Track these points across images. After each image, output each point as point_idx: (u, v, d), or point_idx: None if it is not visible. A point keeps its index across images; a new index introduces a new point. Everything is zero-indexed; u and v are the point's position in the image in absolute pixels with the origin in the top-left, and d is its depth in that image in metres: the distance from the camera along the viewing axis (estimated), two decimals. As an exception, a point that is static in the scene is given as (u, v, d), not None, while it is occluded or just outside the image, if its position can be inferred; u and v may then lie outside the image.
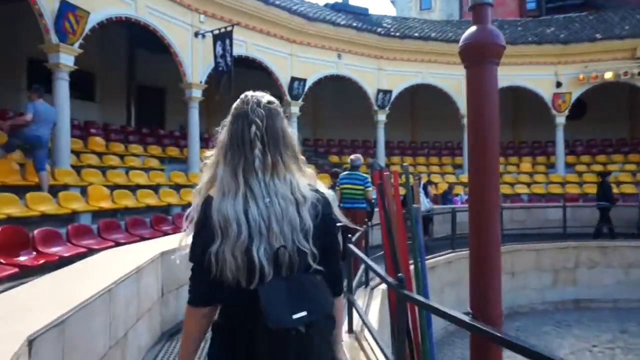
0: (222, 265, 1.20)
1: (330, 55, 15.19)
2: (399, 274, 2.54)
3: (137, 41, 14.26)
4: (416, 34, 16.56)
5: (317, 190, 1.32)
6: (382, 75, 16.12)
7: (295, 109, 14.40)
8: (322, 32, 14.75)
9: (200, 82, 11.66)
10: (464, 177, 16.60)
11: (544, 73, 17.02)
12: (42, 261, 4.27)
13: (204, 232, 1.24)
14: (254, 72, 15.86)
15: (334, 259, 1.35)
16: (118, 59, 14.68)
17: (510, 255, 10.57)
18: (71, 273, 3.26)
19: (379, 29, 16.13)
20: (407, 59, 16.44)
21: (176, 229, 7.29)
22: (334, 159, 17.58)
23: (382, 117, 16.20)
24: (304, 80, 14.34)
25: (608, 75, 16.22)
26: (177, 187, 10.01)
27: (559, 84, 16.90)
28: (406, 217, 3.36)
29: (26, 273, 4.10)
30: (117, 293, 3.12)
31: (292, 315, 1.13)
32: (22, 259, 4.27)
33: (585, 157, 18.20)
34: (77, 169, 8.36)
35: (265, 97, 1.35)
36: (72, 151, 9.10)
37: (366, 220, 6.38)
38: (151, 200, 8.48)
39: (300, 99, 14.50)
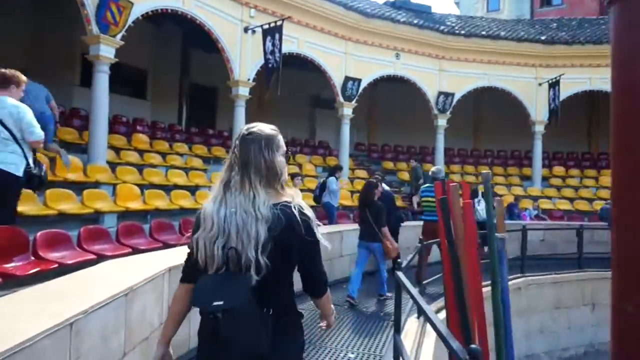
0: (197, 249, 1.56)
1: (388, 54, 14.19)
2: (472, 346, 1.57)
3: (191, 39, 14.06)
4: (483, 32, 15.17)
5: (286, 206, 1.56)
6: (443, 76, 14.89)
7: (348, 110, 13.56)
8: (380, 30, 13.80)
9: (248, 79, 11.09)
10: (534, 190, 14.95)
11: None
12: (35, 269, 3.65)
13: (195, 225, 1.62)
14: (305, 72, 15.36)
15: (306, 264, 1.63)
16: (172, 57, 14.55)
17: (591, 284, 9.05)
18: (34, 294, 2.56)
19: (442, 27, 14.93)
20: (472, 60, 15.09)
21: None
22: (388, 165, 16.54)
23: (442, 121, 14.96)
24: (359, 81, 13.45)
25: None
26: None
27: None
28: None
29: (14, 283, 3.48)
30: (86, 325, 2.37)
31: (212, 302, 1.44)
32: (11, 265, 3.66)
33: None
34: (114, 165, 7.97)
35: (248, 128, 1.64)
36: (113, 147, 8.79)
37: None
38: (186, 202, 7.92)
39: (354, 100, 13.62)
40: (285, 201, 1.56)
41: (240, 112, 11.04)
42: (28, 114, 3.90)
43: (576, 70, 14.82)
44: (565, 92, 14.64)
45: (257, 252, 1.47)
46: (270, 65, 10.45)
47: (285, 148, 1.67)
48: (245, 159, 1.57)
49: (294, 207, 1.56)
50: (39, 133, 3.95)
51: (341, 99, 13.29)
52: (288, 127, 17.30)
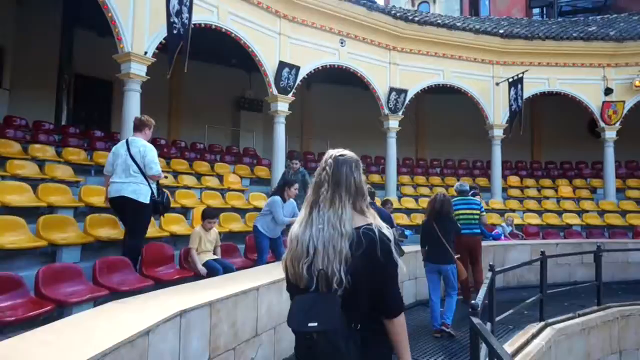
0: (287, 269, 1.70)
1: (332, 40, 11.56)
2: None
3: (77, 16, 10.59)
4: (439, 21, 13.15)
5: (368, 229, 1.62)
6: (394, 70, 12.58)
7: (283, 106, 10.69)
8: (321, 6, 11.12)
9: (145, 53, 7.79)
10: (496, 202, 12.99)
11: (591, 77, 13.80)
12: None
13: (288, 246, 1.73)
14: (227, 68, 12.33)
15: (381, 289, 1.62)
16: (46, 36, 10.82)
17: (617, 325, 6.87)
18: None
19: (394, 11, 12.65)
20: (426, 52, 12.96)
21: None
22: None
23: (393, 123, 12.61)
24: (296, 68, 10.63)
25: (671, 81, 13.10)
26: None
27: (608, 91, 13.69)
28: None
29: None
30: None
31: (307, 324, 1.51)
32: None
33: (634, 180, 14.91)
34: None
35: (340, 151, 1.78)
36: None
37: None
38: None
39: (291, 94, 10.77)
40: (368, 223, 1.64)
41: (133, 99, 7.68)
42: (150, 152, 4.75)
43: (534, 70, 13.25)
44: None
45: (340, 266, 1.55)
46: (175, 31, 7.28)
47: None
48: (337, 178, 1.68)
49: (375, 230, 1.62)
50: (157, 169, 4.77)
51: (274, 90, 10.38)
52: (206, 131, 14.24)
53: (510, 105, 12.98)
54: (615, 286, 8.65)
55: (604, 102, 13.59)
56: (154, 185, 4.80)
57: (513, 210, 12.83)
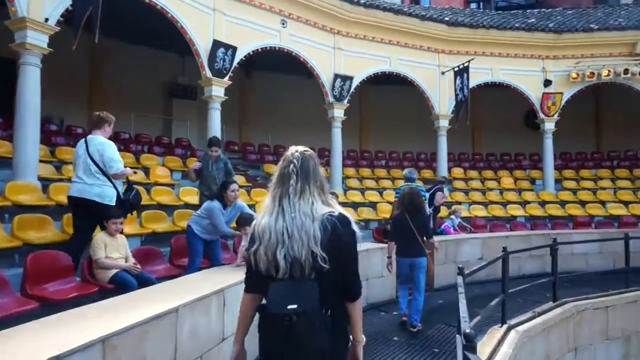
0: (257, 260, 1.73)
1: (272, 20, 10.63)
2: None
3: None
4: (385, 5, 12.57)
5: (330, 214, 1.73)
6: (339, 56, 11.86)
7: (218, 91, 9.63)
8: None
9: (46, 20, 6.46)
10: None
11: (532, 68, 13.88)
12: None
13: (250, 240, 1.79)
14: (157, 52, 11.07)
15: (344, 268, 1.73)
16: None
17: (572, 321, 6.58)
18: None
19: None
20: (371, 38, 12.37)
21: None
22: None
23: (338, 112, 11.89)
24: (233, 49, 9.60)
25: (605, 73, 13.42)
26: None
27: (547, 82, 13.84)
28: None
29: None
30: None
31: (287, 306, 1.59)
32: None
33: (568, 171, 15.27)
34: None
35: (303, 148, 1.89)
36: None
37: None
38: None
39: (227, 77, 9.72)
40: (330, 211, 1.75)
41: (30, 76, 6.34)
42: (109, 150, 4.48)
43: (478, 60, 13.07)
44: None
45: (317, 246, 1.64)
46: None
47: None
48: (306, 171, 1.78)
49: (336, 213, 1.75)
50: (117, 167, 4.48)
51: (208, 72, 9.29)
52: (133, 120, 12.80)
53: (456, 95, 12.72)
54: (561, 278, 8.51)
55: (543, 94, 13.71)
56: (119, 184, 4.62)
57: (459, 203, 12.61)
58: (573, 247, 9.57)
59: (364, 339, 1.84)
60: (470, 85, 12.89)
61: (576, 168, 15.64)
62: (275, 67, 14.28)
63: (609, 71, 13.41)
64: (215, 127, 9.73)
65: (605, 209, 12.64)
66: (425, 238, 5.37)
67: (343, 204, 11.37)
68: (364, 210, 10.78)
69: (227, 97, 9.89)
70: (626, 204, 12.83)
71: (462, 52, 13.34)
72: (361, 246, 6.20)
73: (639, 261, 8.14)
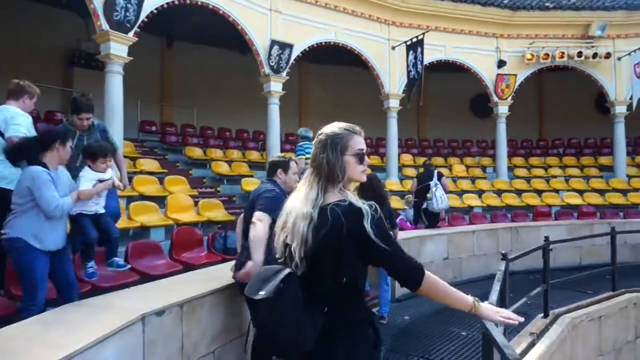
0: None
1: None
2: None
3: None
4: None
5: (336, 204, 1.49)
6: (277, 20, 9.99)
7: (119, 49, 7.43)
8: None
9: None
10: (392, 183, 11.34)
11: (486, 47, 12.86)
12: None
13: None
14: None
15: (380, 264, 1.54)
16: None
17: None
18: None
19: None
20: (314, 1, 10.62)
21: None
22: (196, 153, 10.95)
23: (276, 86, 10.05)
24: (139, 2, 7.46)
25: (558, 55, 12.68)
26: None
27: (501, 63, 12.88)
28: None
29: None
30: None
31: (258, 292, 1.46)
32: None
33: (518, 159, 14.56)
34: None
35: (325, 127, 1.64)
36: None
37: None
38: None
39: (131, 33, 7.57)
40: (337, 201, 1.51)
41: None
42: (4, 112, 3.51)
43: (431, 35, 11.75)
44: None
45: (300, 249, 1.49)
46: None
47: (358, 148, 1.57)
48: (313, 158, 1.59)
49: (346, 204, 1.49)
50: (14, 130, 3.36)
51: (104, 25, 7.10)
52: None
53: (409, 72, 11.34)
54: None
55: (497, 75, 12.76)
56: None
57: (411, 192, 11.30)
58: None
59: (478, 303, 1.61)
60: (424, 62, 11.59)
61: (525, 156, 14.99)
62: (201, 39, 12.21)
63: (562, 53, 12.69)
64: (116, 101, 7.56)
65: (561, 198, 11.93)
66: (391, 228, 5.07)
67: None
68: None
69: (144, 69, 7.76)
70: (580, 192, 12.21)
71: (414, 25, 11.98)
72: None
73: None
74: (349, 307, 1.52)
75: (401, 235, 6.82)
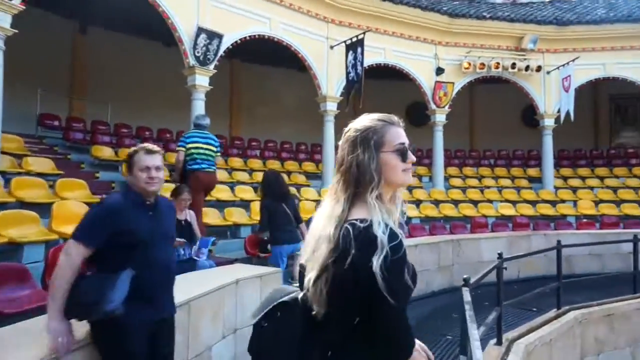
0: None
1: None
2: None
3: None
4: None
5: (352, 225, 1.15)
6: (205, 5, 8.93)
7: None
8: None
9: None
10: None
11: (425, 54, 12.60)
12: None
13: None
14: None
15: (369, 314, 1.15)
16: None
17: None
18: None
19: None
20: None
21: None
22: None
23: (202, 80, 8.93)
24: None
25: (494, 65, 12.71)
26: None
27: (440, 70, 12.68)
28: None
29: None
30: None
31: (258, 316, 1.31)
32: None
33: (452, 168, 14.48)
34: None
35: (355, 122, 1.32)
36: None
37: None
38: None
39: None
40: (357, 219, 1.16)
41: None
42: None
43: (371, 37, 11.21)
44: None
45: (315, 278, 1.18)
46: None
47: (399, 142, 1.25)
48: (339, 160, 1.28)
49: (357, 227, 1.14)
50: None
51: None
52: None
53: (348, 73, 10.71)
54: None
55: (435, 82, 12.53)
56: None
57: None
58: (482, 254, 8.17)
59: None
60: (364, 65, 11.01)
61: (459, 165, 14.96)
62: (120, 24, 10.86)
63: (498, 64, 12.75)
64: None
65: (496, 208, 11.86)
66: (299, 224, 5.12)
67: (231, 202, 8.60)
68: (233, 211, 8.05)
69: (48, 54, 6.39)
70: (513, 203, 12.24)
71: (354, 24, 11.40)
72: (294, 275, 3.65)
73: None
74: (360, 357, 1.18)
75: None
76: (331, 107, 11.17)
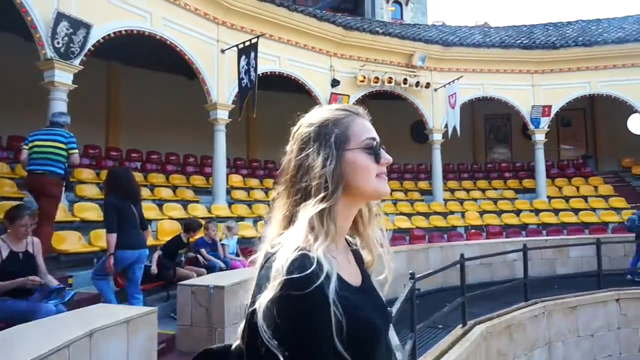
0: None
1: None
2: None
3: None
4: None
5: (266, 258, 0.88)
6: None
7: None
8: None
9: None
10: (219, 208, 9.62)
11: (320, 64, 12.30)
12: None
13: None
14: None
15: None
16: None
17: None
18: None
19: None
20: None
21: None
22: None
23: (64, 77, 7.44)
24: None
25: (387, 80, 12.87)
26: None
27: (335, 82, 12.47)
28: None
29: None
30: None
31: None
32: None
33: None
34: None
35: (302, 119, 1.00)
36: None
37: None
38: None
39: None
40: (274, 245, 0.88)
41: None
42: None
43: (265, 44, 10.57)
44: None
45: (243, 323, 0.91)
46: None
47: (368, 137, 0.95)
48: (284, 167, 0.96)
49: (267, 254, 0.88)
50: None
51: None
52: None
53: (240, 80, 9.89)
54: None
55: (331, 94, 12.28)
56: None
57: (242, 218, 9.76)
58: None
59: None
60: (258, 72, 10.28)
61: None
62: None
63: (391, 79, 12.94)
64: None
65: (392, 221, 11.84)
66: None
67: (69, 222, 7.13)
68: (101, 234, 6.67)
69: None
70: (408, 216, 12.36)
71: (246, 28, 10.67)
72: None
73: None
74: None
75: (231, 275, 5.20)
76: (222, 115, 10.23)
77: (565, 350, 7.73)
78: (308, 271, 0.78)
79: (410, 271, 4.46)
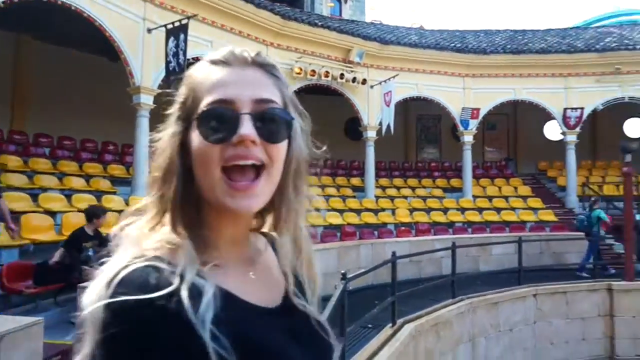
0: None
1: None
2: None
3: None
4: None
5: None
6: None
7: None
8: None
9: None
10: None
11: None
12: None
13: None
14: None
15: None
16: None
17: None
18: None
19: None
20: None
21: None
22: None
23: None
24: None
25: (324, 74, 12.66)
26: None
27: (269, 73, 12.01)
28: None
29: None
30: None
31: None
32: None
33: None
34: None
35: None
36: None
37: None
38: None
39: None
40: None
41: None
42: None
43: (196, 26, 9.91)
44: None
45: None
46: None
47: (215, 98, 0.62)
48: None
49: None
50: None
51: None
52: None
53: (168, 62, 9.17)
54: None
55: (267, 85, 11.82)
56: None
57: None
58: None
59: None
60: (187, 56, 9.61)
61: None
62: None
63: (328, 72, 12.75)
64: None
65: (324, 217, 11.66)
66: None
67: None
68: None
69: None
70: (340, 212, 12.24)
71: (176, 9, 9.93)
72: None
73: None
74: None
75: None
76: (146, 100, 9.44)
77: (487, 346, 7.96)
78: (111, 311, 0.57)
79: (342, 271, 4.23)
